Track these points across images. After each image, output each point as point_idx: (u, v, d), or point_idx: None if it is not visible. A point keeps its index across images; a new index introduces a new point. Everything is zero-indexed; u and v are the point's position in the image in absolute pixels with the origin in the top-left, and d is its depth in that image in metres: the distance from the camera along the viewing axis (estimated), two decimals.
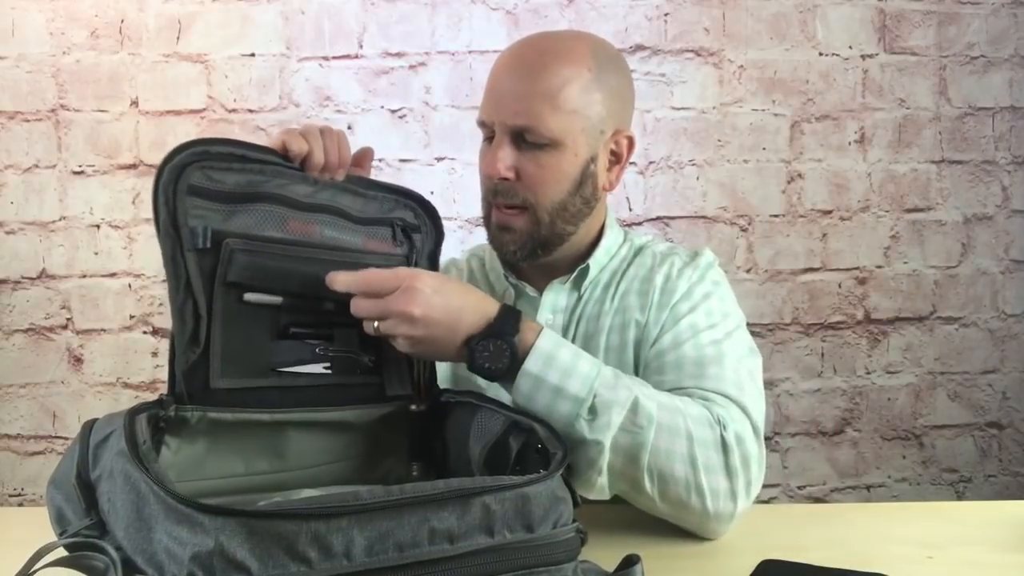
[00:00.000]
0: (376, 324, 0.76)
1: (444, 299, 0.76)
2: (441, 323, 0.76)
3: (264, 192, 0.74)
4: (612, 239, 1.01)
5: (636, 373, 0.93)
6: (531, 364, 0.77)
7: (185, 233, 0.69)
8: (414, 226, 0.85)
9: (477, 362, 0.77)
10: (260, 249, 0.73)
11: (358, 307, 0.76)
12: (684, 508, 0.80)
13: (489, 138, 0.94)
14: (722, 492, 0.79)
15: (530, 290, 0.99)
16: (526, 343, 0.78)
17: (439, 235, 0.87)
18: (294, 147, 0.76)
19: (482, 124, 0.94)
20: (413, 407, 0.82)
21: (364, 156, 0.85)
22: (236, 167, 0.72)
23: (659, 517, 0.83)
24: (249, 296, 0.73)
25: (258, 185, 0.73)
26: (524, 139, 0.90)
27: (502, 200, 0.92)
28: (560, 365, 0.77)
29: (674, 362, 0.89)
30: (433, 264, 0.87)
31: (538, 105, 0.88)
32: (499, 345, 0.76)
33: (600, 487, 0.77)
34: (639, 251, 1.01)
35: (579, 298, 0.98)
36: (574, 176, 0.91)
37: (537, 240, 0.93)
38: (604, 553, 0.65)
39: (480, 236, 1.03)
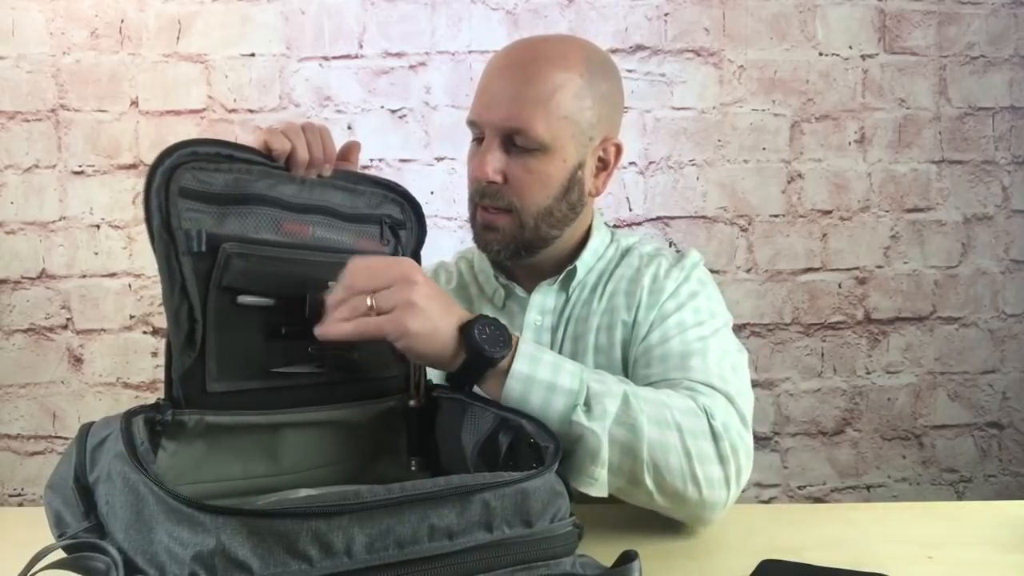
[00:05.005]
0: (371, 301, 0.71)
1: (439, 289, 0.76)
2: (439, 299, 0.73)
3: (254, 193, 0.73)
4: (599, 241, 1.02)
5: (624, 373, 0.93)
6: (519, 365, 0.75)
7: (180, 236, 0.68)
8: (400, 222, 0.85)
9: (475, 339, 0.73)
10: (256, 252, 0.72)
11: (355, 278, 0.71)
12: (681, 499, 0.79)
13: (478, 139, 0.94)
14: (716, 480, 0.80)
15: (519, 291, 1.01)
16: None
17: (422, 233, 0.86)
18: (276, 145, 0.74)
19: (472, 124, 0.94)
20: (412, 403, 0.82)
21: (351, 149, 0.84)
22: (224, 168, 0.71)
23: (654, 511, 0.82)
24: (243, 298, 0.72)
25: (246, 186, 0.72)
26: (514, 143, 0.90)
27: (488, 202, 0.92)
28: (547, 363, 0.76)
29: (660, 356, 0.90)
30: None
31: (530, 109, 0.88)
32: (495, 332, 0.74)
33: (601, 482, 0.76)
34: (626, 252, 1.02)
35: (567, 299, 0.99)
36: (561, 182, 0.92)
37: (521, 242, 0.93)
38: (603, 552, 0.65)
39: None
